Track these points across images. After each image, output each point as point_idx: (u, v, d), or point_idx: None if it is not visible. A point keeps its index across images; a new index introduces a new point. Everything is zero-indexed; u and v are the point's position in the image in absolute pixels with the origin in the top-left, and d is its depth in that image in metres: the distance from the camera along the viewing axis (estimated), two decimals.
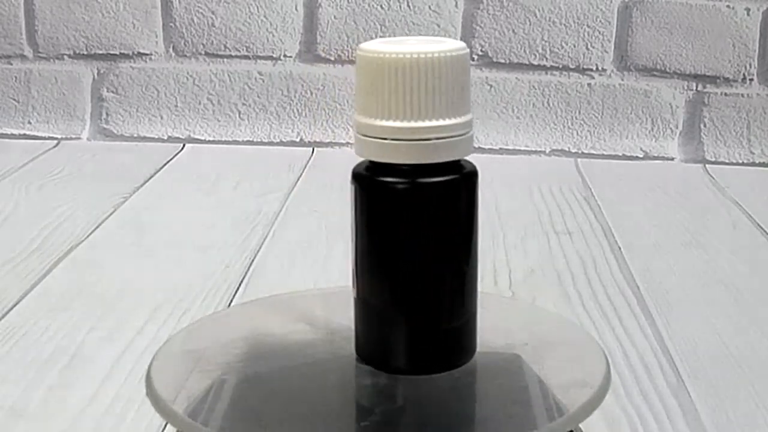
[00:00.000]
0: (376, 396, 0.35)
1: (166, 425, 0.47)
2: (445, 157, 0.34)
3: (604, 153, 1.05)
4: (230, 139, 1.07)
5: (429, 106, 0.33)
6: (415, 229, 0.34)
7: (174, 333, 0.40)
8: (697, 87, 1.05)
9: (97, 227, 0.77)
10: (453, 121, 0.34)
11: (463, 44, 0.34)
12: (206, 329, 0.41)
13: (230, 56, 1.05)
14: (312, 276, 0.68)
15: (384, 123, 0.34)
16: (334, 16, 1.04)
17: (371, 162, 0.34)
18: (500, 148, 1.06)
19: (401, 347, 0.35)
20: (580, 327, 0.42)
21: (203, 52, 1.05)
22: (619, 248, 0.76)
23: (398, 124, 0.33)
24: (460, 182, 0.35)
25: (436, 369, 0.35)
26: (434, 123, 0.34)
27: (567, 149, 1.06)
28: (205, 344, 0.39)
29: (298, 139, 1.06)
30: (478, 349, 0.37)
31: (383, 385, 0.35)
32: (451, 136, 0.34)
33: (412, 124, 0.33)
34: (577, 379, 0.36)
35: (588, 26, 1.04)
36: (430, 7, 1.04)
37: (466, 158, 0.36)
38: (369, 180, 0.34)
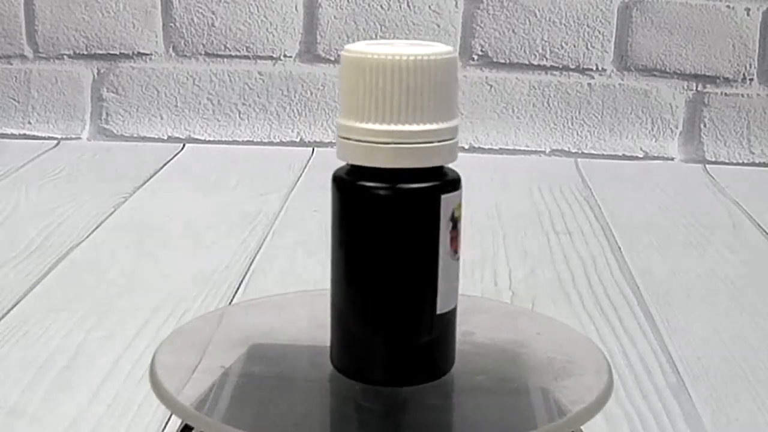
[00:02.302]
0: (371, 398, 0.35)
1: (166, 425, 0.47)
2: (428, 162, 0.33)
3: (604, 153, 1.05)
4: (230, 139, 1.07)
5: (411, 110, 0.33)
6: (394, 235, 0.33)
7: (177, 327, 0.40)
8: (697, 87, 1.05)
9: (97, 227, 0.77)
10: (437, 126, 0.33)
11: (450, 48, 0.34)
12: (208, 325, 0.41)
13: (230, 56, 1.05)
14: (312, 276, 0.68)
15: (365, 125, 0.33)
16: (334, 16, 1.04)
17: (352, 166, 0.34)
18: (500, 148, 1.06)
19: (375, 359, 0.35)
20: (581, 333, 0.42)
21: (203, 52, 1.05)
22: (619, 248, 0.76)
23: (380, 126, 0.33)
24: (442, 189, 0.34)
25: (410, 382, 0.35)
26: (417, 127, 0.33)
27: (567, 149, 1.06)
28: (207, 340, 0.39)
29: (298, 139, 1.06)
30: (480, 352, 0.37)
31: (376, 389, 0.35)
32: (435, 142, 0.33)
33: (394, 127, 0.33)
34: (578, 384, 0.36)
35: (588, 26, 1.04)
36: (430, 7, 1.04)
37: (451, 165, 0.35)
38: (348, 184, 0.34)
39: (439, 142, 0.33)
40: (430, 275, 0.34)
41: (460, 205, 0.34)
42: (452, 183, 0.34)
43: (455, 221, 0.34)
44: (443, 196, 0.33)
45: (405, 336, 0.34)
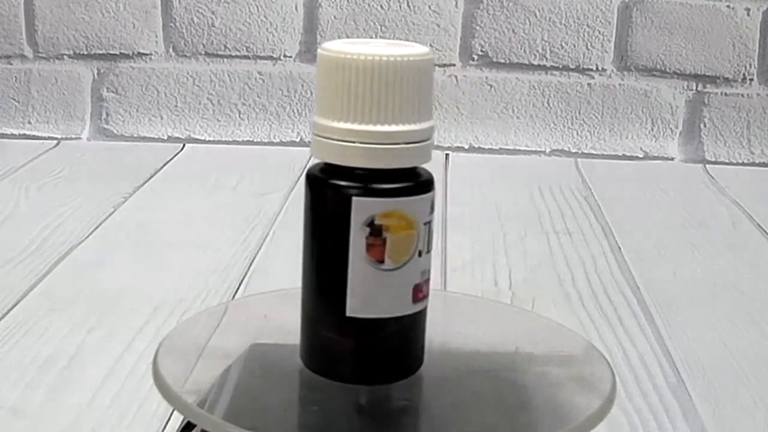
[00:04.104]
0: (373, 399, 0.35)
1: (166, 425, 0.47)
2: (401, 163, 0.33)
3: (604, 153, 1.05)
4: (230, 139, 1.07)
5: (384, 111, 0.33)
6: (326, 231, 0.33)
7: (180, 322, 0.40)
8: (697, 87, 1.05)
9: (98, 227, 0.77)
10: (410, 127, 0.33)
11: (427, 49, 0.33)
12: (211, 320, 0.41)
13: (230, 56, 1.05)
14: None
15: (339, 125, 0.33)
16: (334, 16, 1.04)
17: (326, 164, 0.34)
18: (500, 148, 1.06)
19: (345, 355, 0.35)
20: (583, 337, 0.42)
21: (203, 52, 1.05)
22: (619, 248, 0.76)
23: (353, 126, 0.33)
24: (414, 190, 0.34)
25: (376, 380, 0.35)
26: (390, 128, 0.33)
27: (567, 149, 1.06)
28: (209, 336, 0.39)
29: (298, 139, 1.06)
30: (481, 357, 0.37)
31: (376, 390, 0.35)
32: (408, 143, 0.33)
33: (367, 127, 0.33)
34: (580, 392, 0.36)
35: (588, 26, 1.04)
36: (430, 7, 1.04)
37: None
38: (321, 182, 0.34)
39: (412, 143, 0.33)
40: (339, 277, 0.34)
41: (395, 215, 0.33)
42: (425, 184, 0.34)
43: (377, 229, 0.33)
44: (356, 199, 0.33)
45: (323, 334, 0.35)
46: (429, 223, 0.34)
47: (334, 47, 0.33)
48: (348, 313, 0.34)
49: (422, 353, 0.36)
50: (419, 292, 0.34)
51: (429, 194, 0.34)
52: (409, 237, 0.33)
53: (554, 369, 0.38)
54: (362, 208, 0.33)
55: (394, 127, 0.33)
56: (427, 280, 0.35)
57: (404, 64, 0.33)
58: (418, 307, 0.34)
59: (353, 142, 0.33)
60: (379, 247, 0.33)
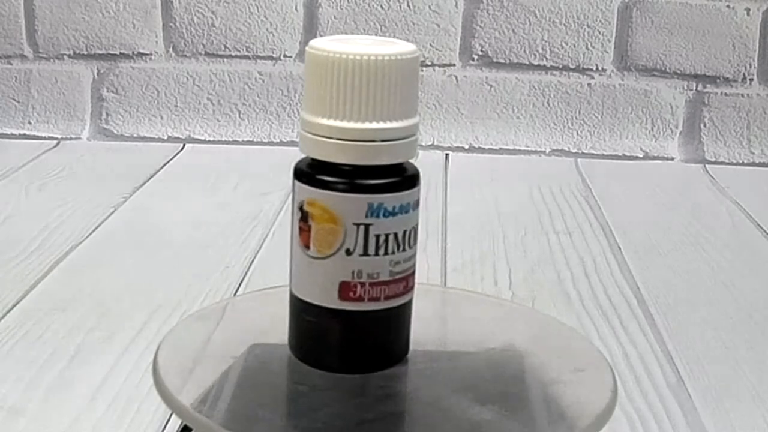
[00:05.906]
0: (379, 400, 0.35)
1: (166, 425, 0.47)
2: (386, 159, 0.34)
3: (604, 153, 1.05)
4: (230, 139, 1.07)
5: (370, 108, 0.33)
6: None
7: (179, 322, 0.40)
8: (697, 87, 1.05)
9: (98, 227, 0.77)
10: (395, 124, 0.34)
11: (412, 47, 0.34)
12: (211, 319, 0.41)
13: (230, 56, 1.05)
14: None
15: (325, 122, 0.34)
16: (334, 16, 1.04)
17: (313, 159, 0.35)
18: (500, 148, 1.06)
19: (333, 346, 0.35)
20: (584, 337, 0.42)
21: (203, 52, 1.05)
22: (619, 248, 0.76)
23: (339, 123, 0.33)
24: (400, 185, 0.34)
25: (361, 369, 0.35)
26: (375, 125, 0.33)
27: (567, 149, 1.06)
28: (209, 336, 0.39)
29: (298, 139, 1.06)
30: (482, 359, 0.37)
31: (387, 394, 0.35)
32: (393, 140, 0.34)
33: (353, 125, 0.33)
34: (581, 395, 0.36)
35: (588, 26, 1.04)
36: (430, 7, 1.04)
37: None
38: (308, 177, 0.34)
39: (397, 139, 0.34)
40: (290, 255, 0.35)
41: (318, 205, 0.34)
42: (411, 179, 0.34)
43: (305, 215, 0.35)
44: (295, 182, 0.35)
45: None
46: (366, 226, 0.34)
47: (320, 46, 0.33)
48: (293, 291, 0.36)
49: (390, 351, 0.36)
50: (349, 291, 0.34)
51: (365, 195, 0.34)
52: (332, 231, 0.34)
53: (554, 369, 0.37)
54: (298, 192, 0.35)
55: (375, 125, 0.33)
56: (369, 284, 0.34)
57: (392, 63, 0.33)
58: (348, 306, 0.34)
59: (335, 139, 0.33)
60: (306, 233, 0.35)
